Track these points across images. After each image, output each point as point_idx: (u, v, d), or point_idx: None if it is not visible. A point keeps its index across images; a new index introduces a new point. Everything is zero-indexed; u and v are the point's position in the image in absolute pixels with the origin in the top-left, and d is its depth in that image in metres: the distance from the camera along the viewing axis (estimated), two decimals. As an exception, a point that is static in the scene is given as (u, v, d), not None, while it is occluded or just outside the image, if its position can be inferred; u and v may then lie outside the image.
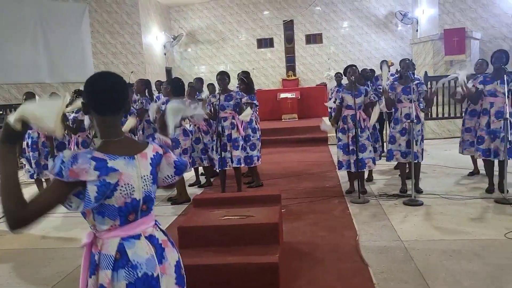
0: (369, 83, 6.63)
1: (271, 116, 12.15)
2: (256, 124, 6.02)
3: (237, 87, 6.26)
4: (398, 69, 6.57)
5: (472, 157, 5.76)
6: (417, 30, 14.10)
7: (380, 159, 5.88)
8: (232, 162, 5.40)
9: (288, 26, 15.60)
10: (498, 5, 12.37)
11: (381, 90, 5.66)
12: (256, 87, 7.20)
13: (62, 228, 4.80)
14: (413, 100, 4.98)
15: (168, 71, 15.75)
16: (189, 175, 6.69)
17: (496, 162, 5.07)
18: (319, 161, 7.75)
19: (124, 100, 1.55)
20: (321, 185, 5.96)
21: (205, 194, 5.65)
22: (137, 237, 1.52)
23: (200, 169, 6.67)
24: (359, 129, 5.10)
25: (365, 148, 5.15)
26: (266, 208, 3.68)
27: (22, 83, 11.21)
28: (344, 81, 7.00)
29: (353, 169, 5.21)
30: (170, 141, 1.99)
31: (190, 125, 6.23)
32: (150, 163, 1.57)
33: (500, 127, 4.82)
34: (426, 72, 9.63)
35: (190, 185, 6.32)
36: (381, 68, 7.56)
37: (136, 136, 5.86)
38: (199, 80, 7.61)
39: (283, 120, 12.22)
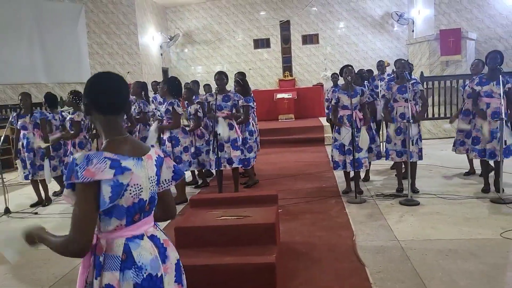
0: (366, 83, 6.64)
1: (267, 116, 12.16)
2: (253, 126, 6.01)
3: (233, 88, 6.25)
4: (394, 70, 6.59)
5: (468, 157, 5.80)
6: (413, 31, 14.14)
7: (377, 159, 5.90)
8: (232, 162, 5.39)
9: (285, 26, 15.60)
10: (493, 6, 12.46)
11: (378, 91, 5.68)
12: (252, 88, 7.20)
13: (58, 229, 4.75)
14: (409, 100, 5.00)
15: (165, 72, 15.71)
16: (186, 174, 6.65)
17: (491, 162, 5.10)
18: (315, 161, 7.76)
19: (127, 99, 1.58)
20: (318, 185, 5.97)
21: (202, 195, 5.64)
22: (141, 237, 1.53)
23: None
24: (355, 129, 5.12)
25: (361, 148, 5.16)
26: (263, 208, 3.68)
27: (18, 83, 11.17)
28: (341, 81, 7.03)
29: (349, 169, 5.23)
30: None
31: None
32: (155, 164, 1.59)
33: (497, 128, 4.85)
34: (422, 73, 9.66)
35: (187, 184, 6.31)
36: (377, 68, 7.62)
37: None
38: (196, 83, 7.62)
39: (279, 121, 12.25)
